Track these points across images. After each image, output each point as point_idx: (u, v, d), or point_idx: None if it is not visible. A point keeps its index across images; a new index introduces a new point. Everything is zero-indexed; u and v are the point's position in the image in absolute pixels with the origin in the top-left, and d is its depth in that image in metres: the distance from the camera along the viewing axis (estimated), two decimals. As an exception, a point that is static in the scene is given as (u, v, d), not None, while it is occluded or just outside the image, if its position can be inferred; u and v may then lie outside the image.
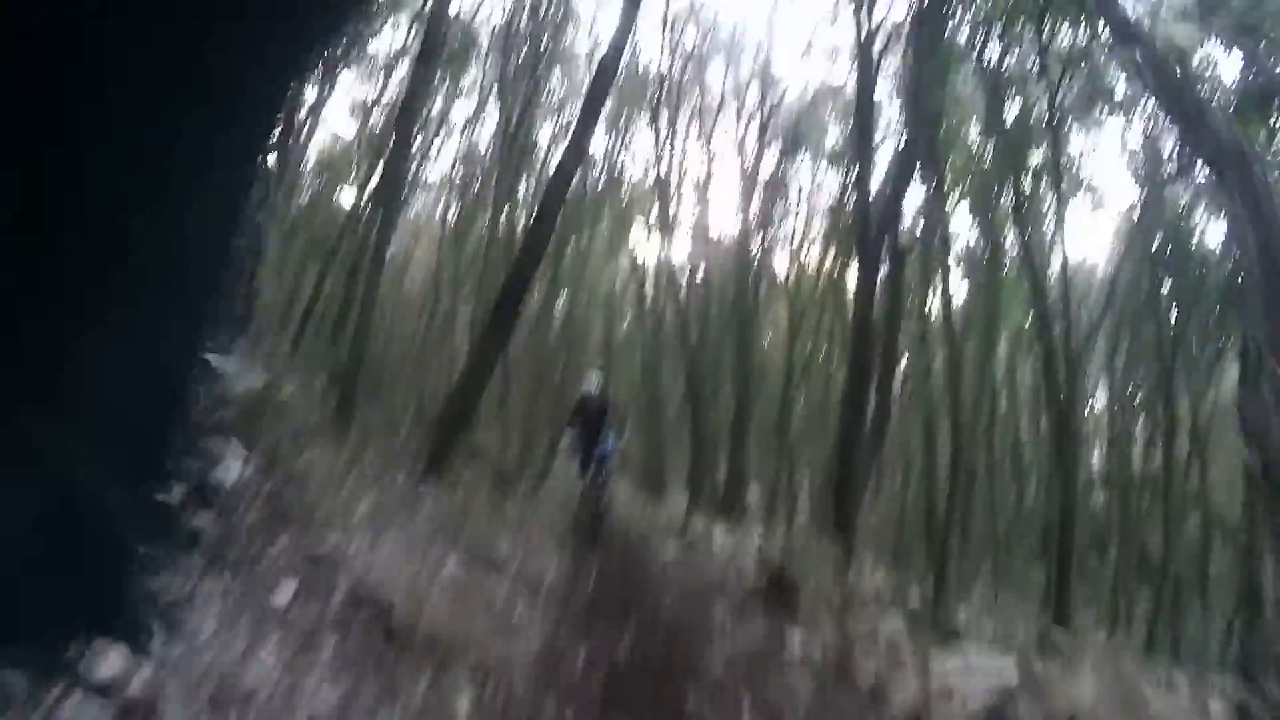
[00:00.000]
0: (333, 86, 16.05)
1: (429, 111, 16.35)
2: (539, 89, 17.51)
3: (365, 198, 14.91)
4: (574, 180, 12.44)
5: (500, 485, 8.90)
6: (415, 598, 3.99)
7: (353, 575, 3.98)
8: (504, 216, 16.53)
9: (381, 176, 13.61)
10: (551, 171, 11.77)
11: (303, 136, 15.61)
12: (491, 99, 17.94)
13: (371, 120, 17.78)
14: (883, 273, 11.68)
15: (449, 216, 19.65)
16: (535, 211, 11.18)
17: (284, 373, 7.44)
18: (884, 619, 4.33)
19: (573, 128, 11.14)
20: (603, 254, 22.11)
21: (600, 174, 20.16)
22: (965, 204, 16.30)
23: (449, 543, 5.38)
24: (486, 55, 17.72)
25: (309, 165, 17.33)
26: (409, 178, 15.68)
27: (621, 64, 11.61)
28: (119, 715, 2.41)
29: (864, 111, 12.47)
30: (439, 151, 19.24)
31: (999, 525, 16.35)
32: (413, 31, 16.23)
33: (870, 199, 11.95)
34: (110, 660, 2.51)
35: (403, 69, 16.78)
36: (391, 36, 17.02)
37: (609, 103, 13.77)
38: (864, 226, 11.65)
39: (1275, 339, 4.78)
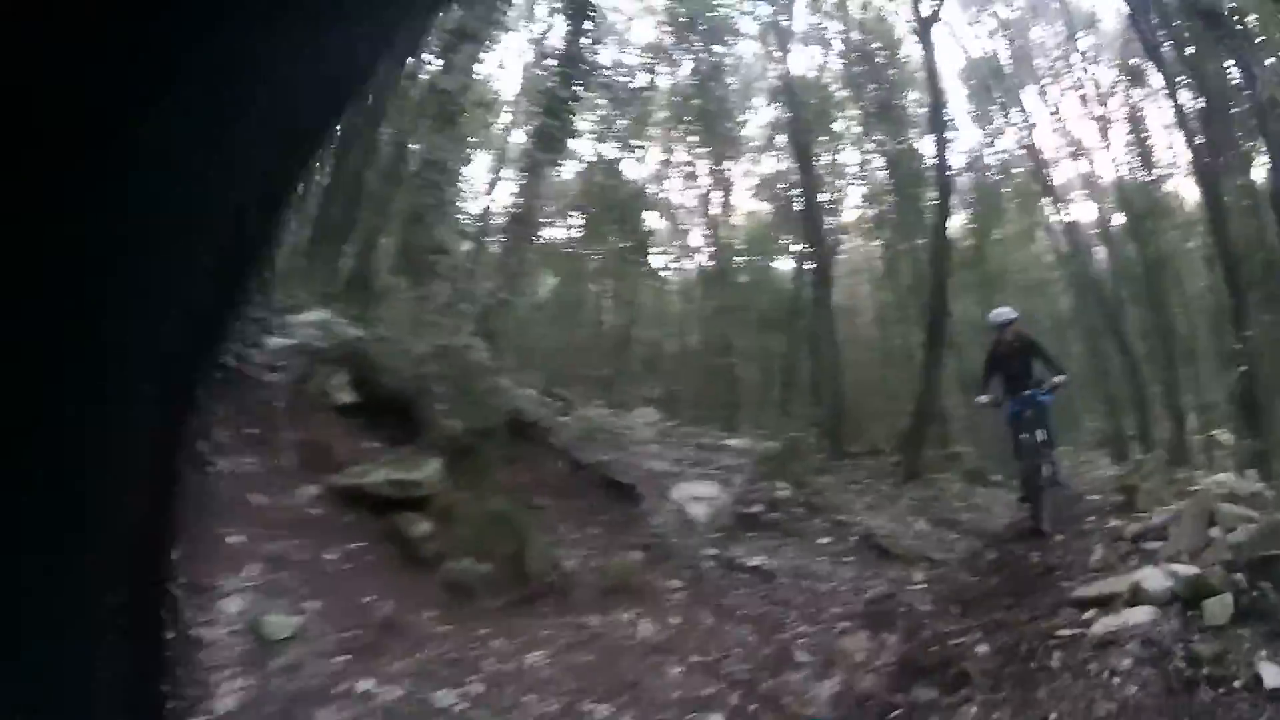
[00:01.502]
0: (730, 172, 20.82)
1: (822, 166, 19.41)
2: (897, 113, 19.13)
3: (799, 263, 18.69)
4: (951, 184, 14.62)
5: (972, 480, 11.58)
6: (894, 537, 7.60)
7: (860, 530, 7.73)
8: (917, 238, 18.25)
9: (806, 240, 17.22)
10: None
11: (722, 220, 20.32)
12: (862, 137, 20.37)
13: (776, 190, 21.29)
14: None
15: (877, 253, 21.93)
16: (932, 227, 13.84)
17: (786, 431, 11.63)
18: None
19: (932, 137, 13.79)
20: (1018, 241, 22.94)
21: (986, 166, 21.45)
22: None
23: (920, 515, 8.91)
24: (840, 102, 20.11)
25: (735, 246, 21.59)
26: (830, 233, 18.77)
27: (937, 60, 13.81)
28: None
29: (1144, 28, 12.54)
30: (845, 196, 21.76)
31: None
32: (777, 106, 19.71)
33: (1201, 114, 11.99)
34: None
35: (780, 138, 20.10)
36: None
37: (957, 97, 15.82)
38: (1203, 143, 12.02)
39: None
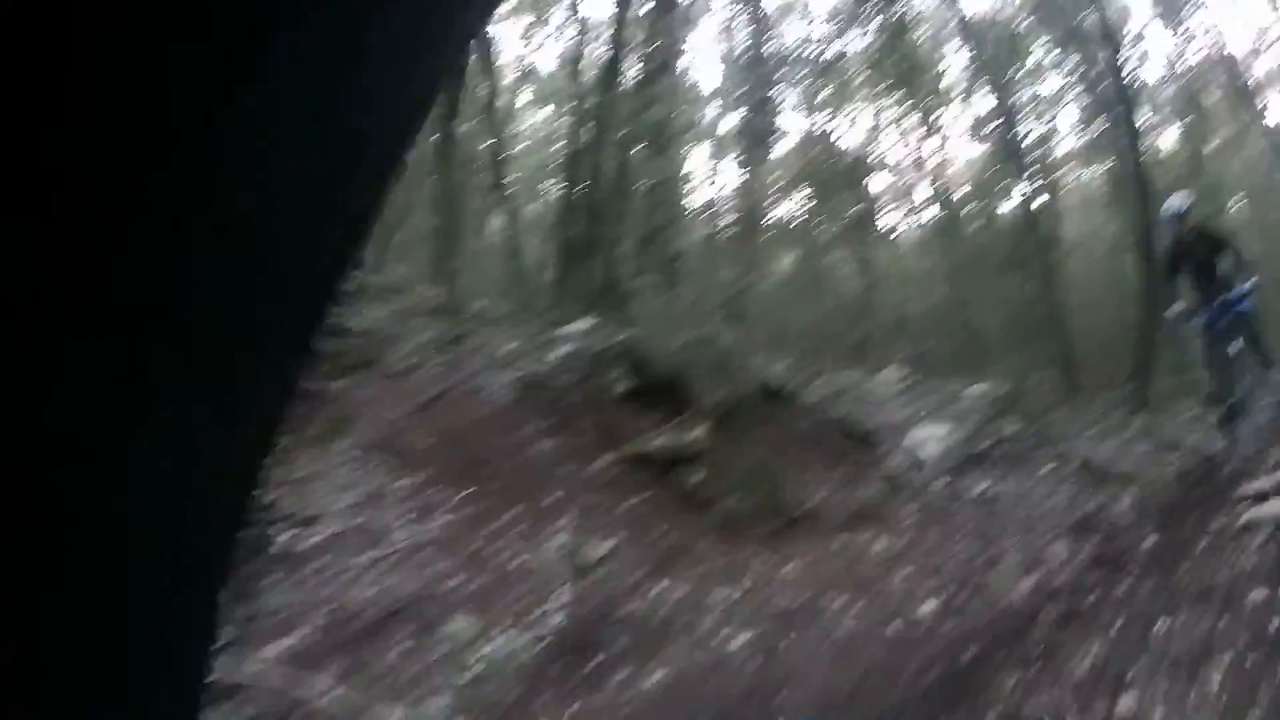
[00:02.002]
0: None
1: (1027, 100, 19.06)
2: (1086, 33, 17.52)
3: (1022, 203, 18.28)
4: (1132, 98, 14.44)
5: (1209, 402, 11.08)
6: (1113, 461, 8.06)
7: (1077, 456, 8.24)
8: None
9: (1025, 178, 17.12)
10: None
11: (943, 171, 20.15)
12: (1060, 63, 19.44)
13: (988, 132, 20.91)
14: None
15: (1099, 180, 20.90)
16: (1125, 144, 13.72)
17: (1024, 374, 11.93)
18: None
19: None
20: (1233, 146, 20.44)
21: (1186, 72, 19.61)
22: None
23: (1144, 440, 9.14)
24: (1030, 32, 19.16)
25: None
26: (1048, 167, 18.47)
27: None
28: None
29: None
30: (1056, 126, 20.78)
31: None
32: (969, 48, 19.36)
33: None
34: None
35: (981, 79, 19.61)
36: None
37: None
38: None
39: None
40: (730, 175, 21.39)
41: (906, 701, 4.18)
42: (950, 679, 4.34)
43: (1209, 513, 5.43)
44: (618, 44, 16.58)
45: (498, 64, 18.82)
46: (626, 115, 14.18)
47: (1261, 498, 5.23)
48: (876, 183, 23.57)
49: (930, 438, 8.69)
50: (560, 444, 7.70)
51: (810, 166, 22.84)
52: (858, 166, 22.43)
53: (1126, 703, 3.30)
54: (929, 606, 5.30)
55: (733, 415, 8.01)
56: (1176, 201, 7.44)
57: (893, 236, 24.12)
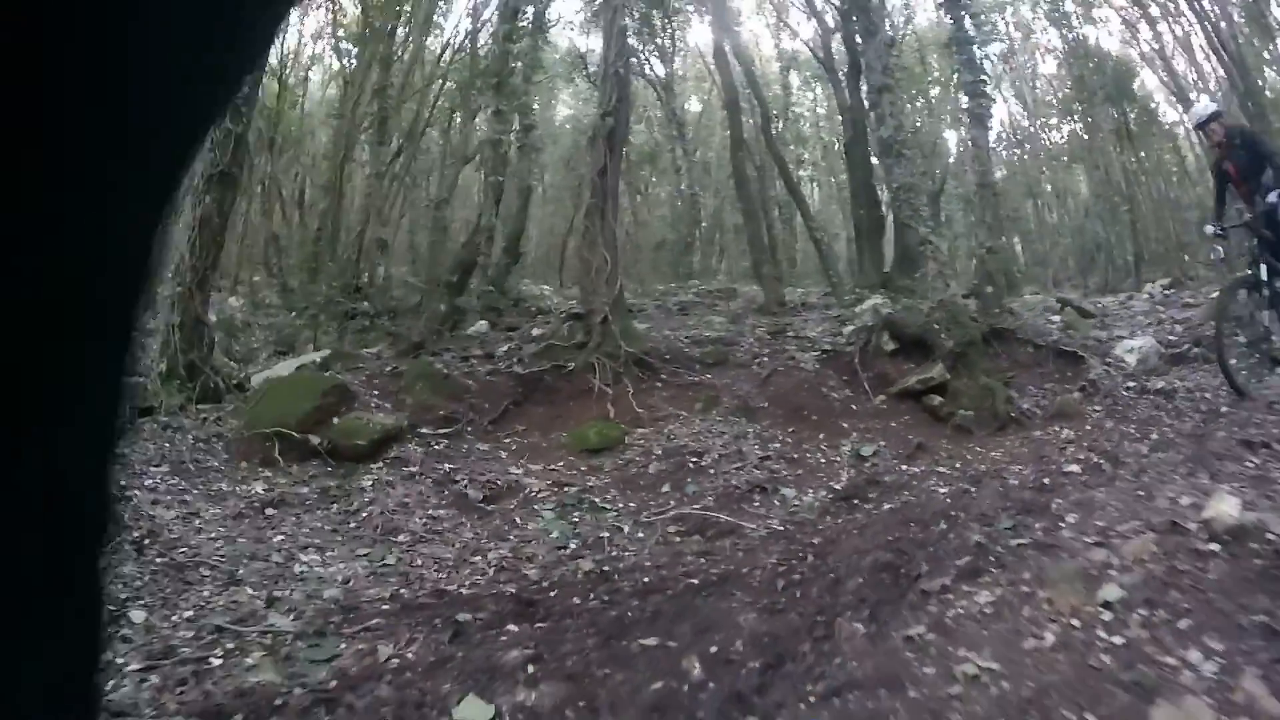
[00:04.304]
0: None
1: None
2: None
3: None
4: None
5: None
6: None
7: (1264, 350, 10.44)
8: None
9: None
10: None
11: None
12: None
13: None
14: None
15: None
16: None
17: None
18: None
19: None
20: None
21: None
22: None
23: None
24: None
25: None
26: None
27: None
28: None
29: None
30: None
31: None
32: None
33: None
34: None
35: None
36: None
37: None
38: None
39: None
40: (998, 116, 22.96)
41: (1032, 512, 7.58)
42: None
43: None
44: (852, 49, 19.32)
45: (759, 58, 21.78)
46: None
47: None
48: (1149, 81, 23.73)
49: (1135, 347, 11.28)
50: (849, 392, 11.54)
51: (1078, 77, 23.57)
52: (1125, 68, 22.86)
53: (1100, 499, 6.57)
54: (1074, 467, 8.55)
55: (965, 354, 11.35)
56: (1201, 107, 7.07)
57: (1176, 134, 24.01)
